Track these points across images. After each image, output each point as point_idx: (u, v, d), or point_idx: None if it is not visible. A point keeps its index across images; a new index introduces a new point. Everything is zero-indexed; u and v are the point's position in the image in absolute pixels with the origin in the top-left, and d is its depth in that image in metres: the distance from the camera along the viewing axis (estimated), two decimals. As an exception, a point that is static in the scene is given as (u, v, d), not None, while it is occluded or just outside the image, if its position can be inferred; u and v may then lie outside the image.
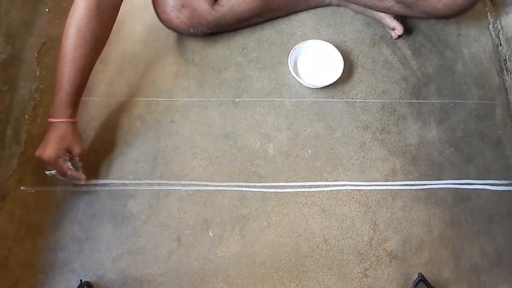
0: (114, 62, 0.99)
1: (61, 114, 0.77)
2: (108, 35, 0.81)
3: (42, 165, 0.79)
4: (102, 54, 0.99)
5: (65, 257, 0.82)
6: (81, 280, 0.78)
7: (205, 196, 0.87)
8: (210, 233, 0.84)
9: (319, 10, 1.07)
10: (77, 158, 0.81)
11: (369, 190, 0.89)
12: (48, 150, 0.76)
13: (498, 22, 1.04)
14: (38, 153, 0.77)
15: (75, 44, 0.74)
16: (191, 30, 0.94)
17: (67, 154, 0.79)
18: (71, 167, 0.80)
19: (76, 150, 0.80)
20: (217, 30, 0.99)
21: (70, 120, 0.78)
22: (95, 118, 0.93)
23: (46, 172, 0.80)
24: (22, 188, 0.86)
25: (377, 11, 0.95)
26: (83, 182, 0.83)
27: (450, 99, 0.98)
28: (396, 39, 1.02)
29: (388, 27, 1.01)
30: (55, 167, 0.77)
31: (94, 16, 0.75)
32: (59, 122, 0.77)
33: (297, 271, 0.82)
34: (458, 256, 0.84)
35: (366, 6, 0.93)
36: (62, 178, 0.80)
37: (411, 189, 0.89)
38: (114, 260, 0.82)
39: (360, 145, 0.92)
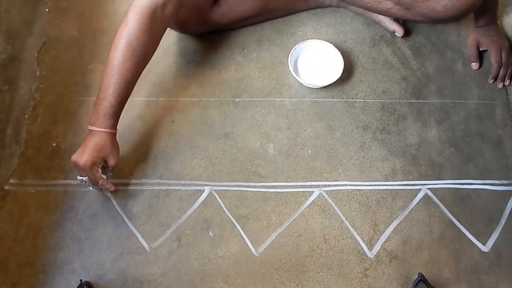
0: (114, 62, 0.99)
1: (102, 124, 0.76)
2: (155, 50, 0.80)
3: (75, 170, 0.78)
4: (102, 54, 1.00)
5: (65, 257, 0.82)
6: (81, 280, 0.78)
7: (205, 196, 0.87)
8: (210, 233, 0.84)
9: (319, 10, 1.07)
10: (110, 168, 0.81)
11: (369, 190, 0.89)
12: (85, 156, 0.75)
13: (498, 22, 1.04)
14: (74, 158, 0.76)
15: (124, 57, 0.74)
16: (188, 29, 0.94)
17: (102, 163, 0.79)
18: (103, 176, 0.79)
19: (112, 161, 0.79)
20: (215, 29, 0.99)
21: (112, 131, 0.78)
22: (95, 118, 0.93)
23: (78, 178, 0.79)
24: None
25: (376, 13, 0.95)
26: (110, 192, 0.83)
27: (450, 99, 0.98)
28: (402, 37, 1.02)
29: (388, 30, 1.01)
30: (88, 175, 0.76)
31: (146, 31, 0.74)
32: (100, 131, 0.76)
33: (297, 271, 0.82)
34: (458, 256, 0.84)
35: (365, 8, 0.92)
36: (92, 186, 0.79)
37: (411, 189, 0.89)
38: (114, 260, 0.82)
39: (360, 145, 0.92)
